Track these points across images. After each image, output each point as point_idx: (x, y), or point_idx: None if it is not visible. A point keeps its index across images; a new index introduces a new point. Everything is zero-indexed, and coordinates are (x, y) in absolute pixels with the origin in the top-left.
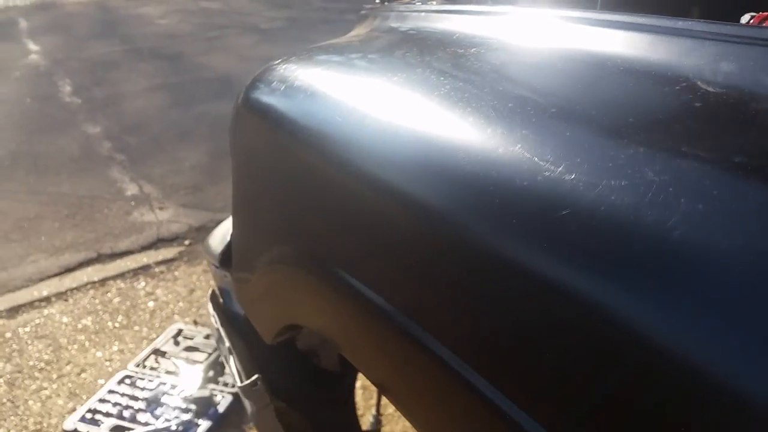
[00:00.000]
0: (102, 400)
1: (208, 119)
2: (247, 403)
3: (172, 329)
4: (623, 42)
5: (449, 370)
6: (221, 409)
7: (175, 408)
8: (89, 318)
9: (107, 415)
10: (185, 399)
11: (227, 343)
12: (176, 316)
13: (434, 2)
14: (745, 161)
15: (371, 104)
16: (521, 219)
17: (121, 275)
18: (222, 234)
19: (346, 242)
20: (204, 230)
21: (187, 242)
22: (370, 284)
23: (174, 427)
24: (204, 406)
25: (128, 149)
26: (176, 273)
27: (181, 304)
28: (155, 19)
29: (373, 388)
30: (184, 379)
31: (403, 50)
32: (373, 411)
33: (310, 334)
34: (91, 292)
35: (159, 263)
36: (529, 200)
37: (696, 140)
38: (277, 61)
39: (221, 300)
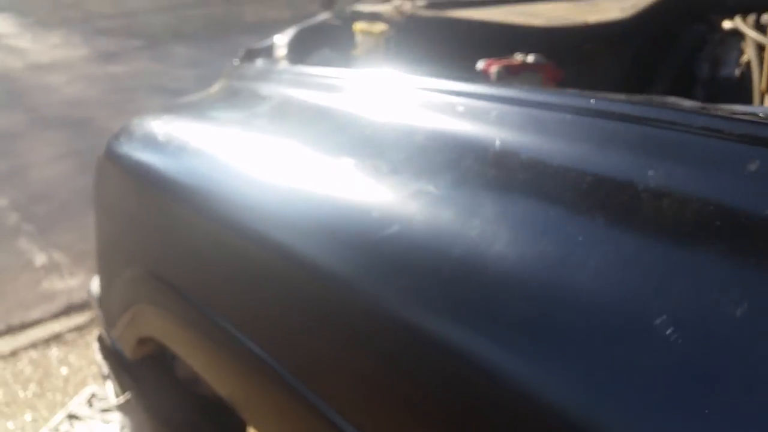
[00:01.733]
0: None
1: None
2: (126, 422)
3: (86, 392)
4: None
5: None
6: None
7: None
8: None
9: None
10: None
11: (106, 371)
12: (90, 380)
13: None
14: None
15: (228, 156)
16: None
17: (32, 345)
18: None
19: (193, 270)
20: None
21: None
22: (209, 306)
23: None
24: None
25: (36, 219)
26: (88, 338)
27: (94, 368)
28: (60, 86)
29: None
30: None
31: (257, 110)
32: None
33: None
34: (1, 364)
35: (71, 330)
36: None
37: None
38: (138, 117)
39: (108, 342)
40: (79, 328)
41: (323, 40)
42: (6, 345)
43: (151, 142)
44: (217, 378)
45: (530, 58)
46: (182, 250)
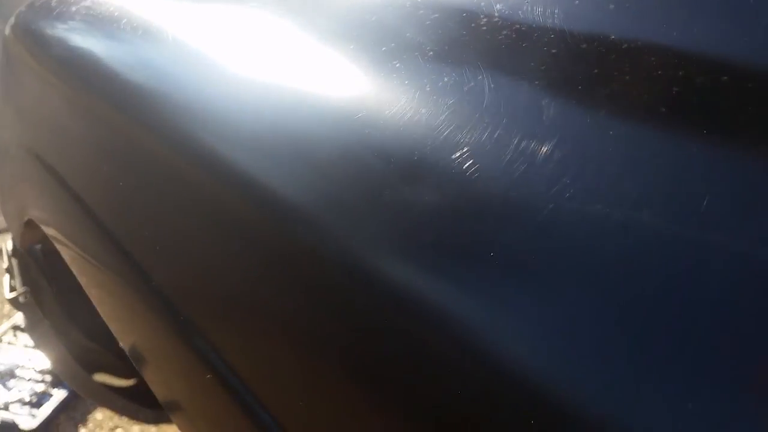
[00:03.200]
0: None
1: None
2: (23, 318)
3: None
4: None
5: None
6: None
7: (29, 380)
8: None
9: None
10: (41, 371)
11: (6, 264)
12: None
13: None
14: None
15: (147, 34)
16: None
17: None
18: None
19: (73, 151)
20: None
21: None
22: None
23: (27, 399)
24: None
25: None
26: None
27: None
28: None
29: None
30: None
31: None
32: None
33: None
34: None
35: None
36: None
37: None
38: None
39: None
40: None
41: None
42: None
43: (55, 15)
44: (86, 277)
45: None
46: (61, 131)
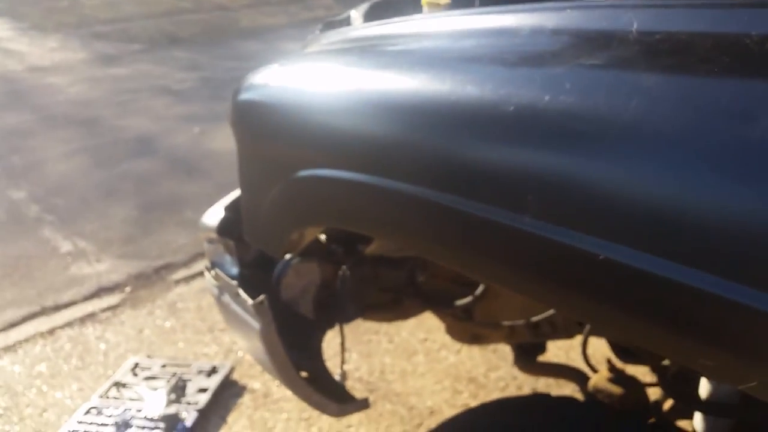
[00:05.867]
0: (72, 431)
1: (132, 176)
2: (254, 322)
3: (129, 363)
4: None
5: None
6: (188, 423)
7: (144, 428)
8: (43, 364)
9: None
10: (153, 419)
11: (233, 282)
12: (129, 354)
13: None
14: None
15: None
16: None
17: (68, 324)
18: (213, 214)
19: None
20: (143, 277)
21: (128, 289)
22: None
23: None
24: (172, 422)
25: (56, 210)
26: (122, 317)
27: (132, 343)
28: (64, 88)
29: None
30: (149, 403)
31: (345, 53)
32: (338, 369)
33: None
34: (41, 341)
35: (104, 310)
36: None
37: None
38: (260, 69)
39: (214, 269)
40: (112, 308)
41: (394, 12)
42: (43, 324)
43: (287, 79)
44: (406, 234)
45: None
46: (346, 142)
